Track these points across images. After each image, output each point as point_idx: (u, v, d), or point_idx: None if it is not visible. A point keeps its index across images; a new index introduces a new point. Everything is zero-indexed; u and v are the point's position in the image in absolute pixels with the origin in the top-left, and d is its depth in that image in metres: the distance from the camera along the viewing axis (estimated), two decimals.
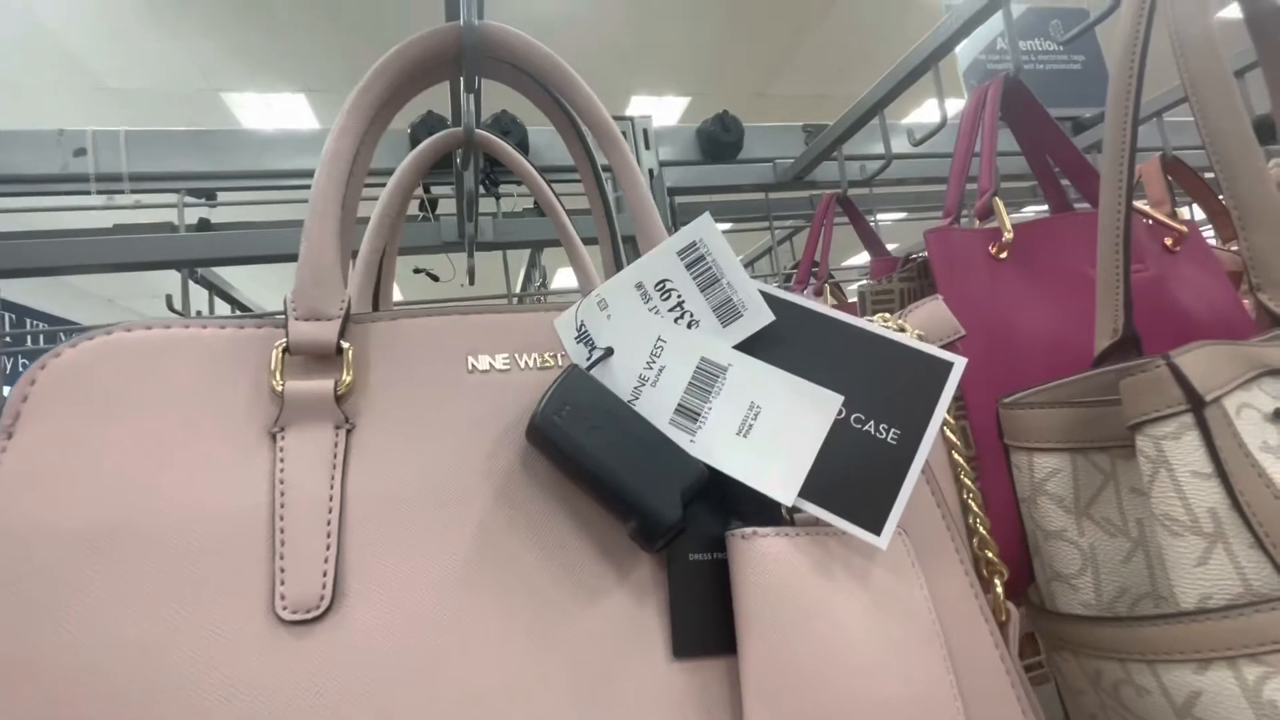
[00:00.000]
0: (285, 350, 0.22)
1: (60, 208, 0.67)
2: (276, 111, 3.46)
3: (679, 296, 0.24)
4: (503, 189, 0.79)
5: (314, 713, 0.17)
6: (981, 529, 0.26)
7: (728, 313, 0.23)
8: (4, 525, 0.18)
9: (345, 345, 0.22)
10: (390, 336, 0.24)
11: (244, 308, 1.03)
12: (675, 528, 0.21)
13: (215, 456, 0.20)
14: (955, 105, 0.61)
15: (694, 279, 0.24)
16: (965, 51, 0.94)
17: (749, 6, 2.99)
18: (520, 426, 0.23)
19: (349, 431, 0.21)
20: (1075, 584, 0.28)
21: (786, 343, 0.23)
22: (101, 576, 0.18)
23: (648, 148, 0.87)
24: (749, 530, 0.21)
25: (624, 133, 0.78)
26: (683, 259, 0.24)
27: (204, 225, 0.74)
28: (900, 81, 0.59)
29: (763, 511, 0.22)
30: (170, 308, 0.79)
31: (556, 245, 0.85)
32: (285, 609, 0.18)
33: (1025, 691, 0.23)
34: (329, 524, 0.19)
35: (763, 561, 0.21)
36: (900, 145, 0.73)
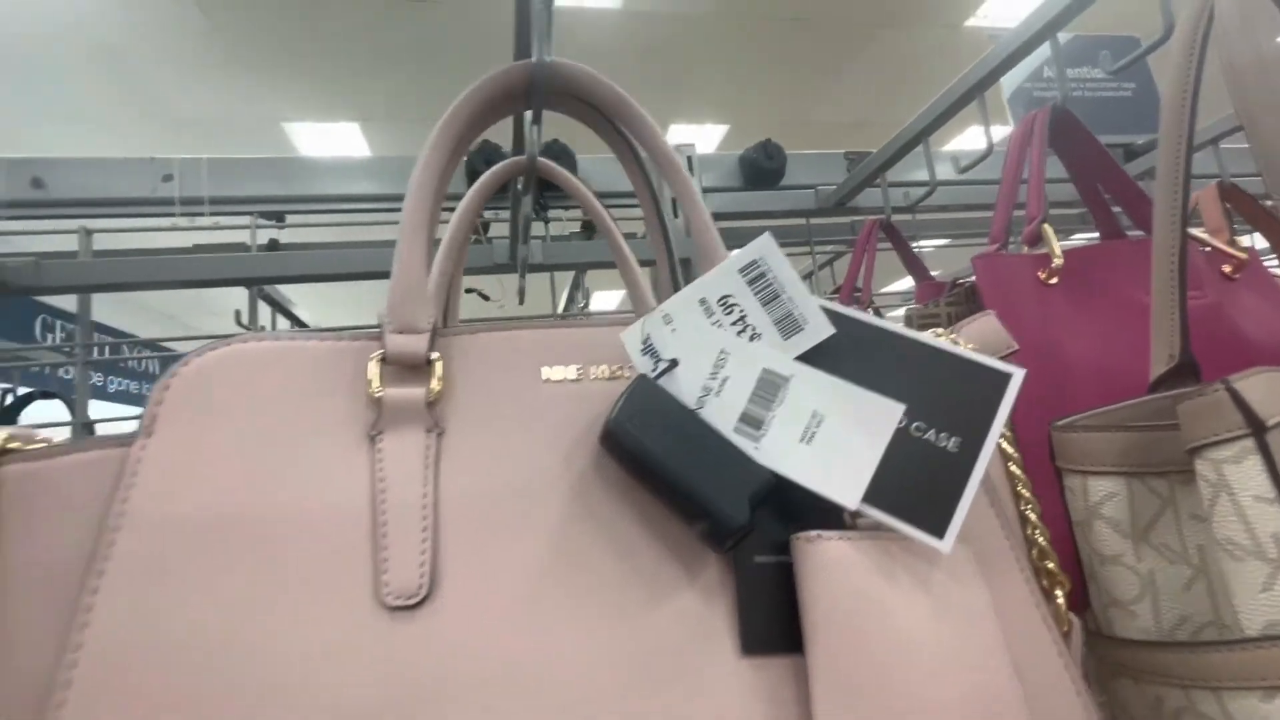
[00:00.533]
0: (382, 360, 0.24)
1: (150, 229, 0.72)
2: (332, 139, 3.65)
3: (741, 311, 0.25)
4: (551, 213, 0.82)
5: (415, 686, 0.19)
6: (1041, 540, 0.27)
7: (789, 326, 0.24)
8: (144, 513, 0.20)
9: (435, 356, 0.24)
10: (471, 349, 0.26)
11: (300, 323, 1.08)
12: (743, 530, 0.22)
13: (320, 456, 0.22)
14: (999, 131, 0.61)
15: (755, 295, 0.25)
16: (1010, 78, 0.94)
17: (789, 35, 3.04)
18: (592, 433, 0.25)
19: (439, 435, 0.23)
20: (1134, 609, 0.27)
21: (846, 355, 0.24)
22: (222, 562, 0.20)
23: (691, 174, 0.89)
24: (814, 534, 0.22)
25: None
26: (744, 276, 0.25)
27: (273, 245, 0.78)
28: (946, 110, 0.60)
29: (826, 517, 0.23)
30: (238, 323, 0.84)
31: (600, 267, 0.87)
32: (389, 595, 0.20)
33: (1088, 702, 0.23)
34: (424, 520, 0.21)
35: (827, 563, 0.22)
36: (944, 172, 0.74)
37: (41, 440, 0.22)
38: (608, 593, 0.22)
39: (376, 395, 0.23)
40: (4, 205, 0.69)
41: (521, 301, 0.80)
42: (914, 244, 0.84)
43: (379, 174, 0.80)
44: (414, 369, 0.24)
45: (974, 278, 0.44)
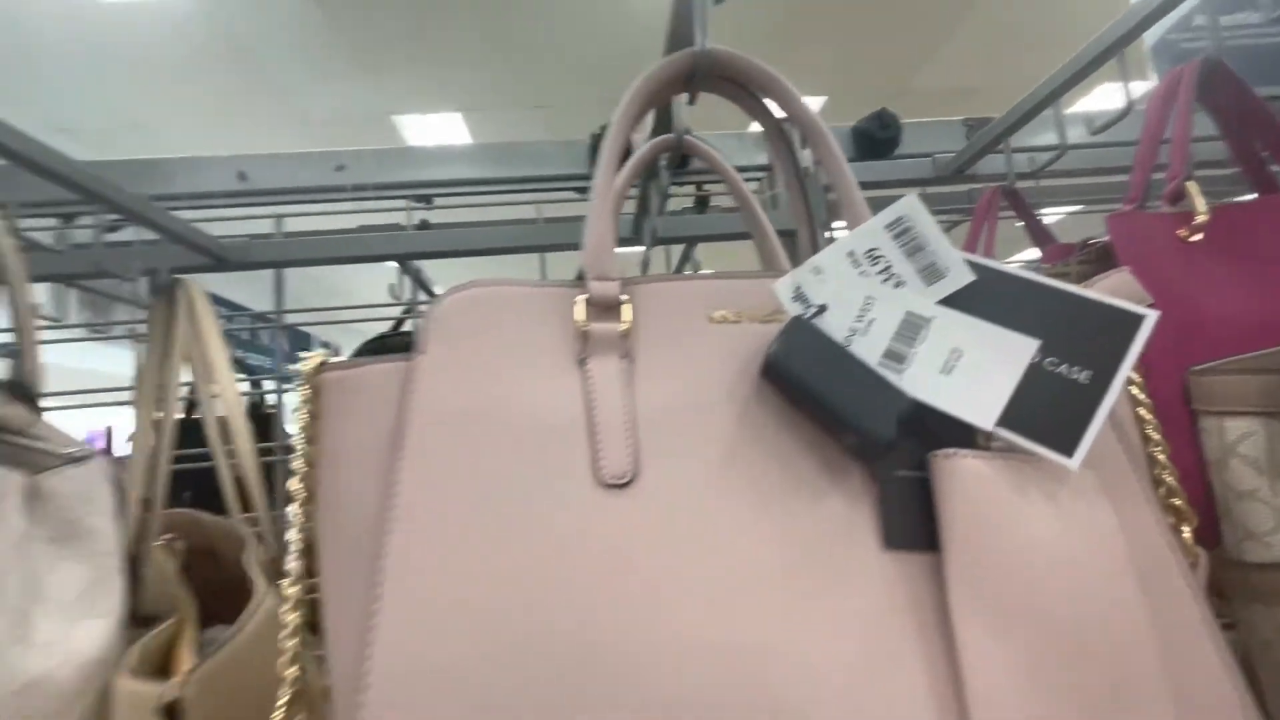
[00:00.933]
0: (586, 302, 0.29)
1: (322, 213, 0.84)
2: (436, 130, 3.89)
3: (887, 263, 0.29)
4: (672, 190, 0.86)
5: (620, 542, 0.25)
6: (1169, 479, 0.29)
7: (931, 275, 0.28)
8: (425, 407, 0.27)
9: (624, 299, 0.30)
10: (651, 294, 0.31)
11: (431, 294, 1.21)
12: (888, 445, 0.26)
13: (544, 372, 0.28)
14: (1137, 88, 0.59)
15: (901, 248, 0.29)
16: (1152, 30, 0.88)
17: (890, 2, 2.90)
18: (752, 364, 0.29)
19: (630, 361, 0.29)
20: (1268, 541, 0.29)
21: (985, 301, 0.27)
22: (481, 443, 0.26)
23: (802, 147, 0.91)
24: (950, 451, 0.26)
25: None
26: (890, 231, 0.29)
27: (423, 225, 0.88)
28: (1083, 68, 0.59)
29: (962, 440, 0.27)
30: (392, 295, 0.96)
31: (710, 240, 0.91)
32: (605, 475, 0.26)
33: (1209, 617, 0.26)
34: (627, 424, 0.27)
35: (963, 476, 0.25)
36: (1074, 135, 0.72)
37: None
38: (769, 493, 0.27)
39: (582, 329, 0.29)
40: (217, 195, 0.82)
41: (644, 273, 0.86)
42: (1037, 212, 0.82)
43: (504, 159, 0.88)
44: (609, 309, 0.30)
45: (1107, 237, 0.44)
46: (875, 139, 0.88)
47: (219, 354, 0.59)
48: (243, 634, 0.37)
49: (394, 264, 0.95)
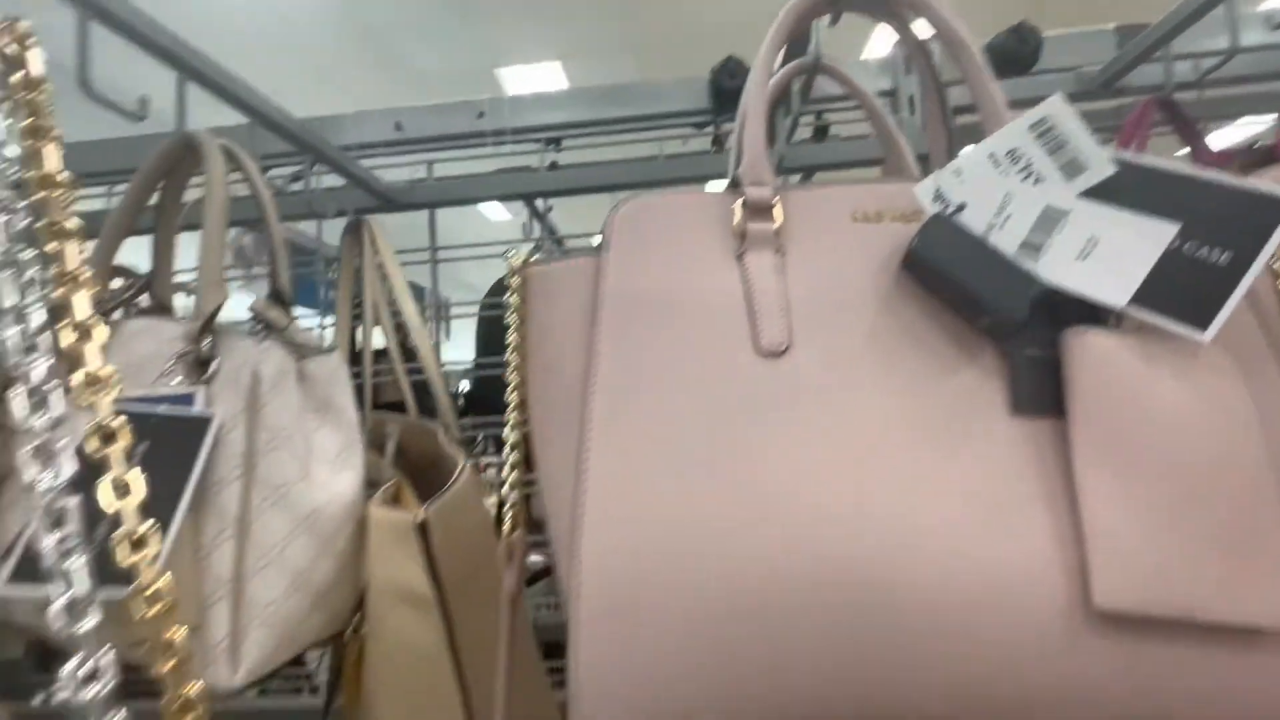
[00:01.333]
0: (744, 205, 0.34)
1: (468, 157, 0.93)
2: (536, 79, 3.97)
3: (1027, 161, 0.31)
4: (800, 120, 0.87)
5: (774, 398, 0.30)
6: None
7: (1072, 169, 0.30)
8: (613, 292, 0.33)
9: (776, 201, 0.34)
10: (799, 198, 0.35)
11: (558, 236, 1.29)
12: (1021, 323, 0.29)
13: (707, 265, 0.34)
14: None
15: (1042, 147, 0.31)
16: None
17: None
18: (893, 259, 0.33)
19: (782, 255, 0.34)
20: None
21: (1126, 192, 0.29)
22: (661, 321, 0.32)
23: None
24: (1082, 328, 0.29)
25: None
26: (1033, 132, 0.31)
27: (553, 166, 0.95)
28: None
29: (1094, 322, 0.29)
30: (525, 233, 1.04)
31: (828, 169, 0.92)
32: (763, 345, 0.31)
33: None
34: (781, 304, 0.32)
35: (1093, 350, 0.28)
36: (1249, 38, 0.65)
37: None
38: (906, 368, 0.31)
39: (740, 228, 0.34)
40: (378, 145, 0.93)
41: None
42: (1199, 126, 0.75)
43: (624, 100, 0.92)
44: (763, 211, 0.34)
45: (1276, 139, 0.42)
46: (1013, 54, 0.84)
47: (399, 279, 0.70)
48: (458, 484, 0.46)
49: (506, 217, 1.03)
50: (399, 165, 0.99)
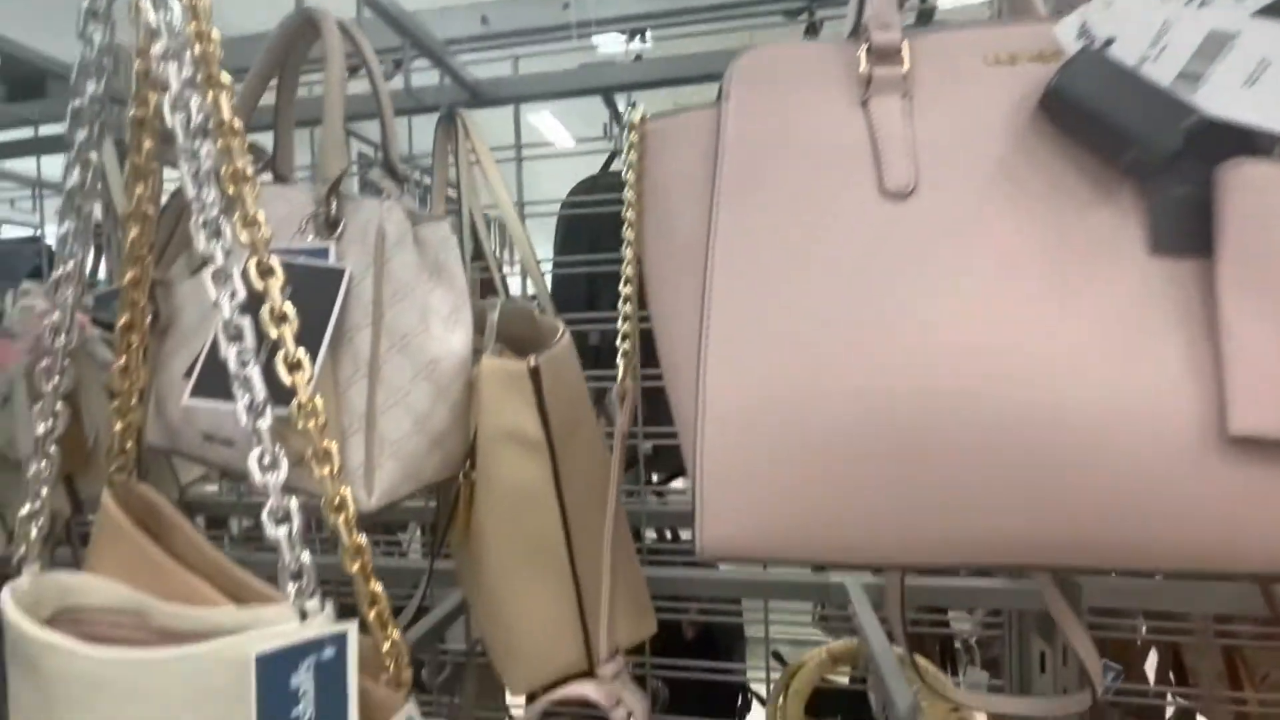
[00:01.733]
0: (869, 49, 0.33)
1: (551, 51, 0.92)
2: None
3: None
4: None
5: (901, 242, 0.30)
6: None
7: None
8: (734, 140, 0.34)
9: (903, 44, 0.33)
10: (928, 42, 0.34)
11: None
12: (1172, 155, 0.28)
13: (832, 111, 0.33)
14: None
15: None
16: None
17: None
18: (1028, 100, 0.32)
19: (910, 100, 0.33)
20: None
21: None
22: (785, 163, 0.33)
23: None
24: (1238, 160, 0.27)
25: None
26: None
27: (638, 58, 0.93)
28: None
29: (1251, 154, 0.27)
30: (605, 132, 1.04)
31: None
32: (889, 186, 0.31)
33: None
34: (907, 146, 0.31)
35: (1250, 181, 0.27)
36: None
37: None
38: (1039, 206, 0.30)
39: (865, 74, 0.33)
40: (466, 40, 0.93)
41: None
42: None
43: None
44: (889, 55, 0.33)
45: None
46: None
47: (493, 169, 0.71)
48: (561, 342, 0.49)
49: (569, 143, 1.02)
50: (484, 61, 0.99)
